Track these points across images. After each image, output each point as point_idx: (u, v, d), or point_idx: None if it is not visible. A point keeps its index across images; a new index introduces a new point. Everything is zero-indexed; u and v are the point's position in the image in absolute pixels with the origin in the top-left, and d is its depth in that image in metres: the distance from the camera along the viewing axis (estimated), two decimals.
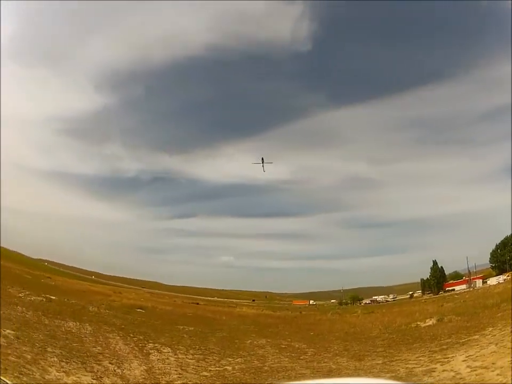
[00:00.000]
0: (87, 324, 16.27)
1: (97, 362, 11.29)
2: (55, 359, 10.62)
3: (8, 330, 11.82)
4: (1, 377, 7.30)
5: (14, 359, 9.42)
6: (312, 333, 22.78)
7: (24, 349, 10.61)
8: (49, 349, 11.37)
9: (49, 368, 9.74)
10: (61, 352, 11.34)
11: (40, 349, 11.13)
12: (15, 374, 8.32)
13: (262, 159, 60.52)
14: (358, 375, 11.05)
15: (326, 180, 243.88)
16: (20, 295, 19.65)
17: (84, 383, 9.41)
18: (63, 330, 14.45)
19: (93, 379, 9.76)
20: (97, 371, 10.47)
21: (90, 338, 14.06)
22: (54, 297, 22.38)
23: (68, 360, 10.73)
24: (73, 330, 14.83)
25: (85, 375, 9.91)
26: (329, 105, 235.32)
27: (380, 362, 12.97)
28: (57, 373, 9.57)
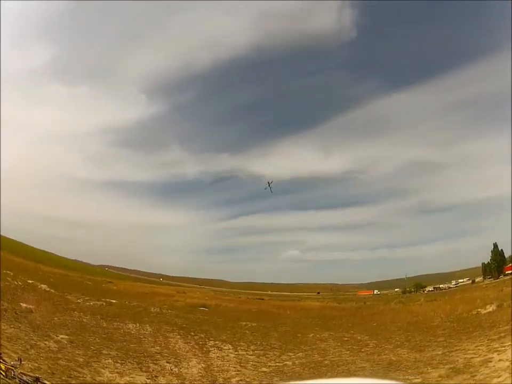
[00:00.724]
0: (147, 325, 16.12)
1: (154, 362, 10.98)
2: (110, 360, 10.40)
3: (61, 336, 11.71)
4: (45, 382, 6.97)
5: (64, 363, 9.21)
6: (375, 324, 22.40)
7: (77, 352, 10.45)
8: (104, 351, 11.15)
9: (102, 370, 9.51)
10: (117, 354, 11.13)
11: (95, 351, 10.96)
12: (63, 378, 8.11)
13: (268, 183, 70.59)
14: (417, 368, 10.90)
15: (385, 167, 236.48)
16: (79, 301, 19.76)
17: (137, 383, 9.08)
18: (121, 332, 14.23)
19: (147, 379, 9.44)
20: (153, 370, 10.13)
21: (149, 339, 13.85)
22: (114, 301, 22.39)
23: (123, 361, 10.51)
24: (132, 332, 14.60)
25: (140, 375, 9.61)
26: (381, 92, 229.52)
27: (440, 353, 12.60)
28: (110, 374, 9.33)
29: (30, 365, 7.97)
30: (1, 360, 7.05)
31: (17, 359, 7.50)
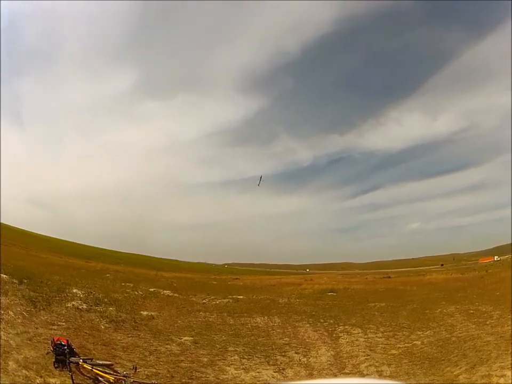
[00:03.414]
0: (276, 317, 15.97)
1: (282, 354, 10.64)
2: (236, 357, 10.28)
3: (185, 338, 11.85)
4: None
5: (186, 364, 9.27)
6: (498, 293, 21.64)
7: (201, 352, 10.48)
8: (230, 348, 11.09)
9: (227, 368, 9.41)
10: (244, 349, 11.01)
11: (221, 349, 10.93)
12: (183, 380, 8.17)
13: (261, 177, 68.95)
14: None
15: (493, 119, 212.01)
16: (204, 301, 20.41)
17: (263, 377, 8.77)
18: (249, 327, 14.16)
19: (275, 372, 9.12)
20: (281, 363, 9.77)
21: (277, 331, 13.65)
22: (241, 297, 22.78)
23: (249, 357, 10.34)
24: (260, 325, 14.47)
25: (266, 369, 9.30)
26: (471, 37, 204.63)
27: None
28: (235, 371, 9.19)
29: (147, 372, 8.29)
30: (112, 372, 7.45)
31: (131, 367, 7.72)
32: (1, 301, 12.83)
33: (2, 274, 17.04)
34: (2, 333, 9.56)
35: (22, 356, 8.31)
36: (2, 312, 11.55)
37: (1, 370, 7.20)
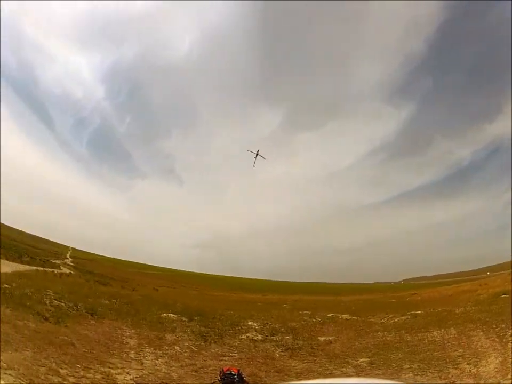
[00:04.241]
0: (452, 328, 15.20)
1: (455, 366, 10.14)
2: (410, 374, 10.07)
3: (361, 359, 12.02)
4: None
5: None
6: None
7: (376, 372, 10.52)
8: (405, 366, 10.88)
9: None
10: (419, 366, 10.69)
11: (396, 368, 10.81)
12: None
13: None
14: None
15: None
16: (382, 320, 20.26)
17: None
18: (425, 342, 13.66)
19: None
20: (452, 376, 9.39)
21: (453, 343, 12.94)
22: (419, 312, 21.85)
23: (423, 373, 10.04)
24: (437, 339, 13.86)
25: None
26: None
27: None
28: None
29: None
30: None
31: None
32: (167, 337, 14.20)
33: (170, 314, 19.07)
34: (163, 366, 10.48)
35: None
36: (167, 347, 12.71)
37: None
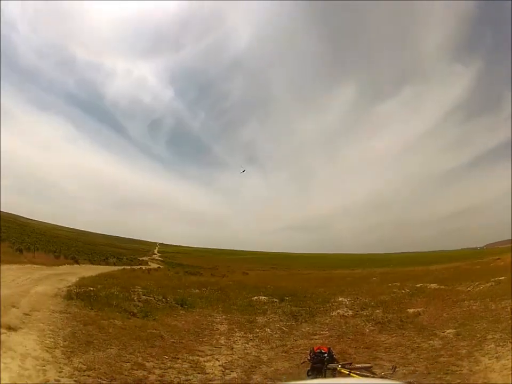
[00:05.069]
0: None
1: None
2: (492, 345, 10.23)
3: (448, 330, 12.37)
4: None
5: (444, 359, 9.66)
6: None
7: (461, 344, 10.80)
8: (489, 336, 11.05)
9: (482, 358, 9.46)
10: (500, 336, 10.81)
11: (480, 339, 11.00)
12: (439, 376, 8.48)
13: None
14: None
15: None
16: (468, 289, 20.48)
17: (511, 365, 8.48)
18: (508, 310, 13.59)
19: None
20: None
21: None
22: (502, 278, 21.58)
23: (504, 343, 10.15)
24: None
25: None
26: None
27: None
28: (488, 361, 9.15)
29: (405, 370, 8.87)
30: (370, 374, 7.93)
31: (391, 367, 8.30)
32: (258, 320, 14.72)
33: (261, 296, 19.64)
34: (253, 350, 10.93)
35: (272, 369, 9.16)
36: (258, 330, 13.21)
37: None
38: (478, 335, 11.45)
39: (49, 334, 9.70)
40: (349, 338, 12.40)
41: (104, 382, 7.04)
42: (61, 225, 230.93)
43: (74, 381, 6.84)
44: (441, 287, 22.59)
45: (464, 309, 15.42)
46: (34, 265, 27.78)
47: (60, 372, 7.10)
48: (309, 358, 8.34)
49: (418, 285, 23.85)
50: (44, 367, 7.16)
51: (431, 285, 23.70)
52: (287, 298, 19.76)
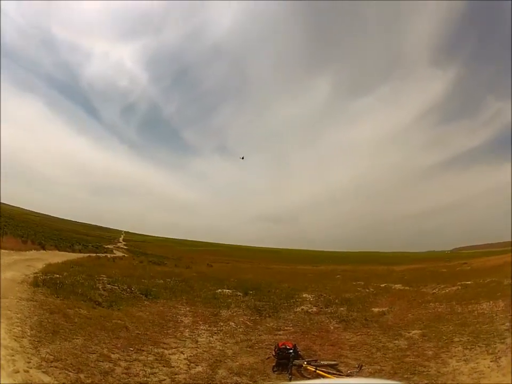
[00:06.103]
0: (500, 300, 15.00)
1: (502, 341, 10.19)
2: (459, 348, 10.26)
3: (413, 331, 12.36)
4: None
5: (411, 359, 9.60)
6: None
7: (427, 345, 10.78)
8: (456, 339, 11.08)
9: (449, 360, 9.43)
10: (468, 339, 10.89)
11: (446, 341, 11.00)
12: (405, 376, 8.38)
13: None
14: None
15: None
16: (434, 291, 20.59)
17: (480, 368, 8.62)
18: (475, 314, 13.85)
19: (491, 361, 8.93)
20: (499, 351, 9.49)
21: (500, 316, 12.85)
22: (469, 282, 21.82)
23: (472, 346, 10.23)
24: (486, 311, 13.99)
25: (484, 359, 9.18)
26: None
27: None
28: (456, 363, 9.15)
29: (371, 369, 8.81)
30: (336, 372, 8.12)
31: (356, 366, 8.41)
32: (222, 313, 14.58)
33: (225, 289, 19.47)
34: (218, 343, 10.79)
35: (237, 363, 9.03)
36: (222, 324, 13.04)
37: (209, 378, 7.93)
38: (444, 337, 11.44)
39: (17, 322, 9.48)
40: (313, 335, 12.33)
41: (71, 373, 6.93)
42: (29, 209, 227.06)
43: (43, 372, 6.73)
44: (406, 288, 22.63)
45: (430, 311, 15.41)
46: (3, 250, 26.40)
47: (29, 363, 6.98)
48: (274, 353, 8.29)
49: (383, 285, 23.85)
50: (13, 357, 7.03)
51: (396, 285, 23.69)
52: (251, 292, 19.66)
